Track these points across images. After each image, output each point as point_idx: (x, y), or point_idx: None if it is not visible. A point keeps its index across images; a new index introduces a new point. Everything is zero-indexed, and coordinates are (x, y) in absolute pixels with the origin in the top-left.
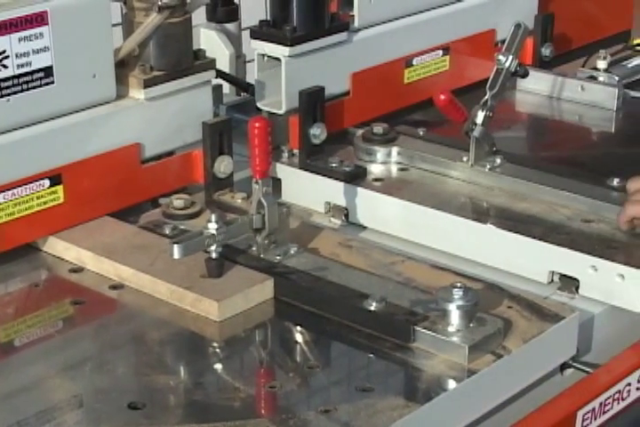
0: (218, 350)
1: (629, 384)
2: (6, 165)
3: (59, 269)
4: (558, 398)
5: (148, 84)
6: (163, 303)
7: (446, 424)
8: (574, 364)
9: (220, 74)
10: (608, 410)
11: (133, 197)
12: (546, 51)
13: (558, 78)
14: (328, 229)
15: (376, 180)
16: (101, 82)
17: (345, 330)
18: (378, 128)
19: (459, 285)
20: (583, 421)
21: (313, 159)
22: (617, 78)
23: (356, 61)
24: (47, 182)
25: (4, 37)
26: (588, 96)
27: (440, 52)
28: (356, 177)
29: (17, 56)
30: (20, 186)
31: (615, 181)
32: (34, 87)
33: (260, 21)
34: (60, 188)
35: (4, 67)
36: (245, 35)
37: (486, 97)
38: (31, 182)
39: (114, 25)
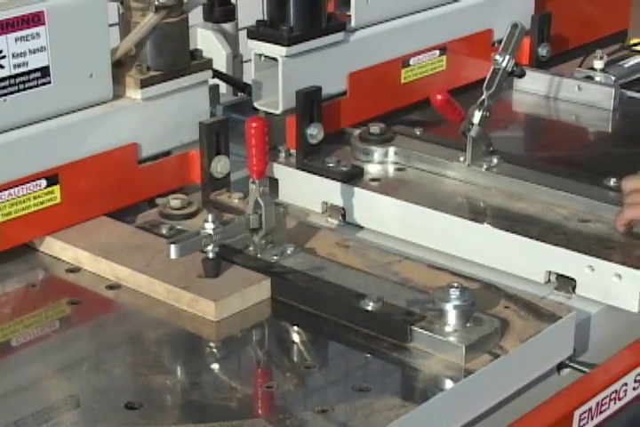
0: (215, 350)
1: (626, 384)
2: (3, 165)
3: (55, 269)
4: (555, 397)
5: (144, 84)
6: (159, 303)
7: (443, 424)
8: (571, 364)
9: (217, 74)
10: (605, 410)
11: (130, 197)
12: (542, 51)
13: (555, 78)
14: (325, 229)
15: (373, 180)
16: (98, 82)
17: (342, 330)
18: (375, 128)
19: (455, 285)
20: (580, 420)
21: (310, 159)
22: (614, 78)
23: (352, 61)
24: (44, 182)
25: (1, 37)
26: (584, 96)
27: (437, 51)
28: (353, 177)
29: (13, 56)
30: (16, 186)
31: (612, 181)
32: (30, 87)
33: (257, 21)
34: (56, 188)
35: (1, 67)
36: (242, 35)
37: (483, 97)
38: (28, 182)
39: (111, 25)
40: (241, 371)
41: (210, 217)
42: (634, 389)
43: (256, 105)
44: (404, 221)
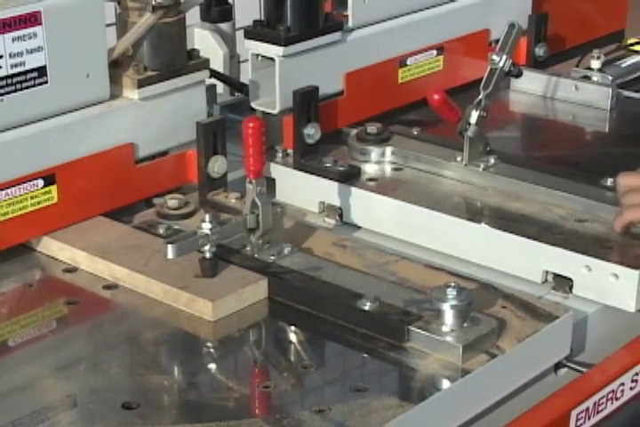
0: (212, 349)
1: (623, 384)
2: (0, 165)
3: (53, 269)
4: (552, 397)
5: (141, 83)
6: (157, 303)
7: (440, 424)
8: (568, 363)
9: (214, 74)
10: (602, 410)
11: (127, 197)
12: (540, 50)
13: (552, 78)
14: (322, 228)
15: (370, 179)
16: (95, 82)
17: (339, 330)
18: (372, 128)
19: (453, 284)
20: (577, 420)
21: (307, 159)
22: (611, 78)
23: (349, 61)
24: (41, 182)
25: None
26: (581, 96)
27: (434, 51)
28: (350, 177)
29: (10, 56)
30: (13, 186)
31: (609, 181)
32: (27, 87)
33: (254, 21)
34: (53, 188)
35: None
36: (239, 35)
37: (480, 97)
38: (25, 182)
39: (108, 25)
40: (238, 371)
41: (207, 217)
42: (631, 389)
43: (253, 105)
44: (401, 220)
